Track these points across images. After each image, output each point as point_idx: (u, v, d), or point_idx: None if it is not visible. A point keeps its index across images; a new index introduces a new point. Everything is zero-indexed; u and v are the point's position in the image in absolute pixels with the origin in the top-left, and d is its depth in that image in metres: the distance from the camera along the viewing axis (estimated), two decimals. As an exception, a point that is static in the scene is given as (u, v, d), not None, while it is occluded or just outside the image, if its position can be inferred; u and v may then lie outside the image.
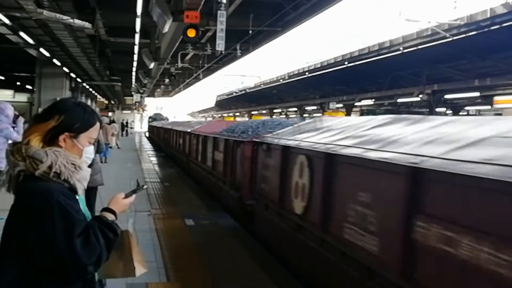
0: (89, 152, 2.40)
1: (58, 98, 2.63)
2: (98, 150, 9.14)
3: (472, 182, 3.01)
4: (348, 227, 4.61)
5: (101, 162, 14.97)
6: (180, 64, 26.83)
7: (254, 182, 8.44)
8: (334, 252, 4.97)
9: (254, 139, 8.80)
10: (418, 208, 3.54)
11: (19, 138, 7.08)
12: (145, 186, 2.66)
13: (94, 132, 2.37)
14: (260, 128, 9.83)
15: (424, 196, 3.53)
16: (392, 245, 3.89)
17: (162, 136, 31.87)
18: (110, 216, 2.31)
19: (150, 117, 69.19)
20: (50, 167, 2.13)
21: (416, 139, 4.24)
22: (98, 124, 2.39)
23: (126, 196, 2.46)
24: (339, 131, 6.01)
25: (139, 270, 2.42)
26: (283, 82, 36.17)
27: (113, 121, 37.46)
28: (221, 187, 11.29)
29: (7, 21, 16.10)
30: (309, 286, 5.80)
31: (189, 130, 17.41)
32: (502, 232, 2.80)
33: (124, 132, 48.72)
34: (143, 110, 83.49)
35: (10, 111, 8.03)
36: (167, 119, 56.45)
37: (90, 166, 7.41)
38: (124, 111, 76.50)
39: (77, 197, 2.25)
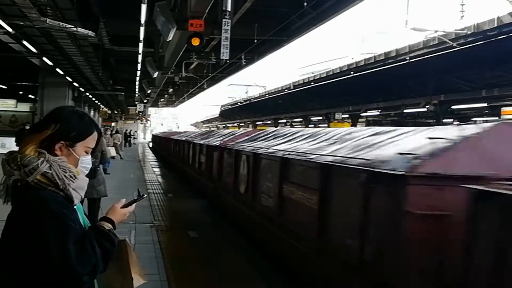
0: (86, 161, 2.22)
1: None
2: (102, 161, 9.01)
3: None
4: (263, 196, 8.01)
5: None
6: (184, 73, 26.69)
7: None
8: (254, 208, 8.62)
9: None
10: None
11: None
12: (145, 196, 2.57)
13: (91, 141, 2.31)
14: None
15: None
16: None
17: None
18: (107, 226, 2.24)
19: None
20: (44, 176, 2.07)
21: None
22: (95, 133, 2.33)
23: (125, 205, 2.39)
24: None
25: (137, 281, 2.36)
26: (288, 92, 36.07)
27: (117, 131, 37.43)
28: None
29: (10, 29, 15.97)
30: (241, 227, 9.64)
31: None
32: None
33: (128, 143, 48.61)
34: (147, 120, 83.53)
35: None
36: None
37: (93, 176, 7.30)
38: (127, 121, 76.49)
39: (75, 206, 2.20)
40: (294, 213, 6.60)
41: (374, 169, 4.56)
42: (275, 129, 11.46)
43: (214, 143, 13.09)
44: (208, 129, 63.67)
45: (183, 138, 21.76)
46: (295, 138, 8.43)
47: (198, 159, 15.47)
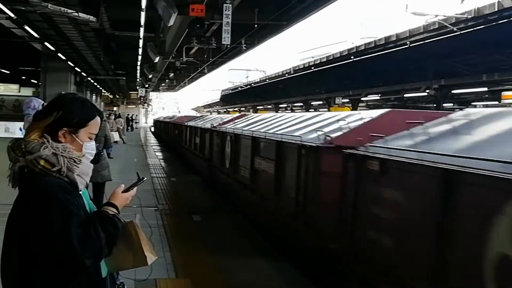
0: (90, 147, 2.32)
1: (63, 93, 2.59)
2: (106, 145, 9.11)
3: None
4: (242, 168, 10.27)
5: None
6: (185, 58, 26.69)
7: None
8: (235, 179, 10.78)
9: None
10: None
11: None
12: (145, 179, 2.62)
13: (94, 127, 2.36)
14: None
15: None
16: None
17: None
18: (111, 210, 2.29)
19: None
20: (48, 162, 2.13)
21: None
22: (98, 118, 2.38)
23: (127, 189, 2.43)
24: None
25: (150, 258, 2.42)
26: (289, 76, 36.02)
27: (119, 116, 37.47)
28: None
29: (12, 14, 16.02)
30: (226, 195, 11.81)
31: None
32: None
33: (130, 127, 48.72)
34: (148, 104, 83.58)
35: (37, 103, 8.05)
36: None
37: (97, 161, 7.40)
38: (129, 106, 76.48)
39: (80, 192, 2.25)
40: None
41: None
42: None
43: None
44: (209, 113, 63.79)
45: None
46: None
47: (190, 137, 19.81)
